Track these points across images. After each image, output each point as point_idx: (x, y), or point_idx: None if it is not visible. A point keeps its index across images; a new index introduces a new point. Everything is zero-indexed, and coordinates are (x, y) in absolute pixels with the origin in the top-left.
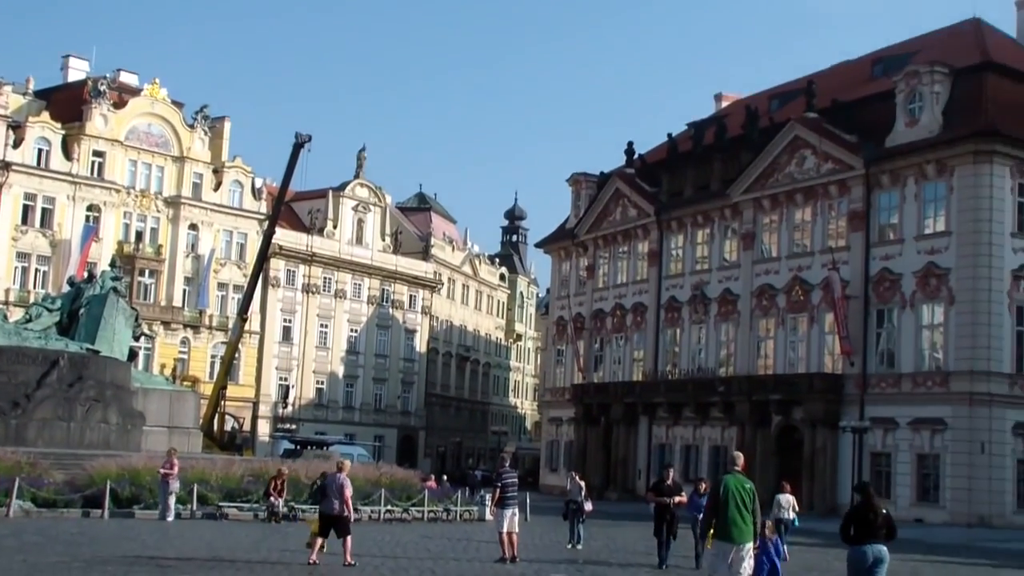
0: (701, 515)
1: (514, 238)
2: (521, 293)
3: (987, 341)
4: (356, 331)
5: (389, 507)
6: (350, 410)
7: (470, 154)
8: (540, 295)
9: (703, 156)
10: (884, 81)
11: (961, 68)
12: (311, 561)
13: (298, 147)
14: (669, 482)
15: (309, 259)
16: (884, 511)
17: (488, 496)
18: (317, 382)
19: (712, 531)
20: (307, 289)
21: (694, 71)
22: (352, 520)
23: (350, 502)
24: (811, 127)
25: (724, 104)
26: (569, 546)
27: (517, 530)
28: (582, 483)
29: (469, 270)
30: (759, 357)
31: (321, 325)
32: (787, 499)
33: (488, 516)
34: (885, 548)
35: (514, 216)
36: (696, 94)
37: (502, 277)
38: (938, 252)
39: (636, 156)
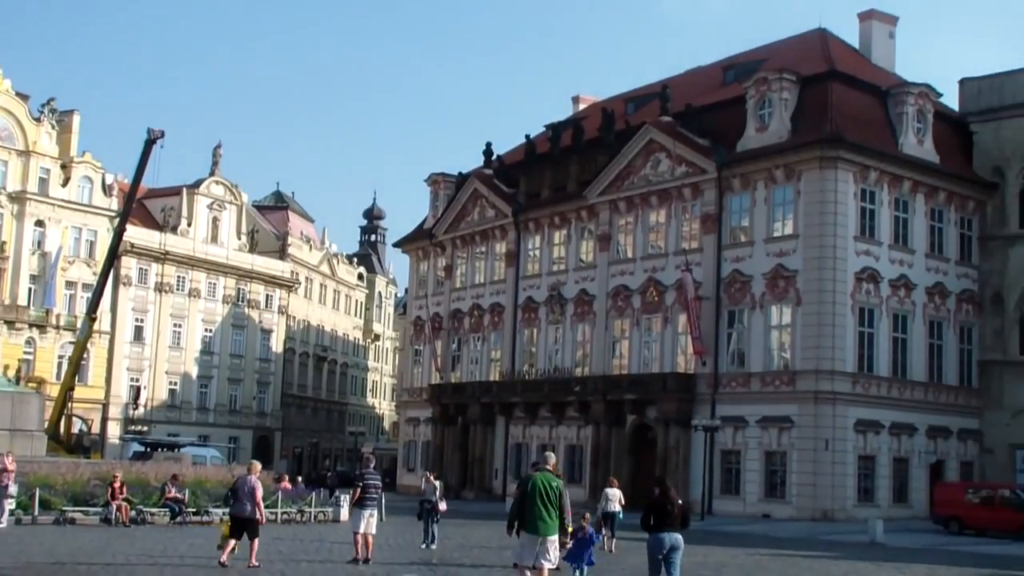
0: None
1: (372, 238)
2: (379, 293)
3: (831, 341)
4: (211, 331)
5: None
6: (204, 411)
7: (329, 153)
8: (398, 295)
9: (560, 158)
10: (735, 87)
11: (808, 76)
12: (221, 562)
13: (151, 143)
14: None
15: (162, 257)
16: (680, 502)
17: (344, 497)
18: (170, 383)
19: (518, 524)
20: (160, 288)
21: (552, 73)
22: (262, 522)
23: (261, 504)
24: (665, 131)
25: (581, 106)
26: (423, 546)
27: (373, 531)
28: (437, 483)
29: (327, 270)
30: (614, 357)
31: (174, 325)
32: (614, 493)
33: (344, 517)
34: (680, 535)
35: (373, 216)
36: (554, 96)
37: (360, 277)
38: (786, 254)
39: (494, 157)
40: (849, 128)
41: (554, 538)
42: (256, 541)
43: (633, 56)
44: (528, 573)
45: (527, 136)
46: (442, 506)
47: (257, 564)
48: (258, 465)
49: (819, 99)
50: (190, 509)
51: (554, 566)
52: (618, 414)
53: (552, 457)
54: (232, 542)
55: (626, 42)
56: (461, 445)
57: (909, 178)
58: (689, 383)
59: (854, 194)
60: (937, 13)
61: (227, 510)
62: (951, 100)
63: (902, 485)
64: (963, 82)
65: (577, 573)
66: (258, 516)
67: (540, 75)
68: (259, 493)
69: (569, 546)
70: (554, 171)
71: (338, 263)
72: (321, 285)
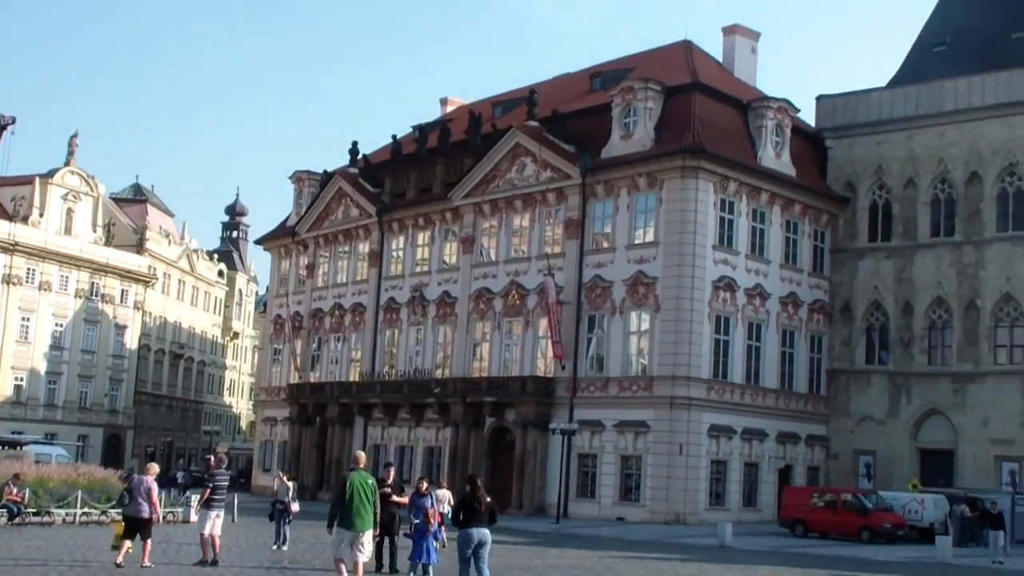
0: (416, 519)
1: (234, 234)
2: (240, 290)
3: (688, 348)
4: (61, 325)
5: (86, 509)
6: (52, 408)
7: (191, 147)
8: (259, 293)
9: (426, 159)
10: (602, 95)
11: (672, 87)
12: (117, 563)
13: (0, 129)
14: (390, 482)
15: (11, 249)
16: (488, 500)
17: (194, 497)
18: (16, 378)
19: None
20: (7, 280)
21: (421, 74)
22: (157, 522)
23: (158, 505)
24: (532, 135)
25: (449, 108)
26: (274, 547)
27: (219, 532)
28: (290, 484)
29: (186, 265)
30: (475, 359)
31: (23, 318)
32: (443, 493)
33: (193, 517)
34: (487, 531)
35: (235, 212)
36: (422, 97)
37: (220, 274)
38: (647, 261)
39: (360, 156)
40: (711, 139)
41: (370, 532)
42: (149, 542)
43: (502, 60)
44: (344, 568)
45: (394, 136)
46: (294, 507)
47: (150, 564)
48: (155, 467)
49: (682, 110)
50: (30, 510)
51: (367, 559)
52: (477, 416)
53: (363, 457)
54: (127, 543)
55: (496, 46)
56: (319, 446)
57: (767, 190)
58: (548, 387)
59: (714, 204)
60: (798, 31)
61: (121, 511)
62: (808, 116)
63: (752, 489)
64: (820, 99)
65: (419, 571)
66: (154, 516)
67: (409, 75)
68: (155, 493)
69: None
70: (420, 172)
71: (198, 259)
72: (180, 281)
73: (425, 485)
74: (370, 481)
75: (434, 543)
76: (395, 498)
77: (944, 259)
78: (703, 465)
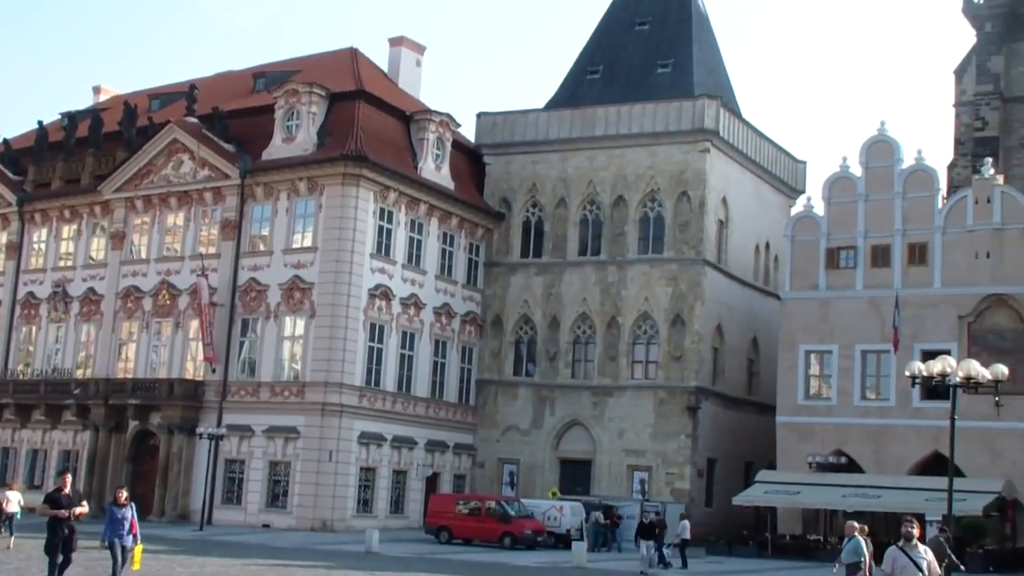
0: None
1: None
2: None
3: (342, 355)
4: None
5: None
6: None
7: None
8: None
9: (75, 148)
10: (265, 95)
11: (337, 93)
12: None
13: None
14: (67, 491)
15: None
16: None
17: None
18: None
19: None
20: None
21: (73, 58)
22: None
23: None
24: (190, 132)
25: (103, 97)
26: None
27: None
28: None
29: None
30: (120, 360)
31: None
32: (14, 495)
33: None
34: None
35: None
36: (73, 83)
37: None
38: (304, 267)
39: (0, 140)
40: (373, 148)
41: None
42: None
43: (163, 52)
44: None
45: (40, 122)
46: None
47: None
48: None
49: (346, 116)
50: None
51: None
52: (120, 419)
53: None
54: None
55: (157, 36)
56: None
57: (425, 202)
58: (197, 390)
59: (373, 212)
60: (464, 48)
61: None
62: (469, 132)
63: (400, 496)
64: (480, 116)
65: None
66: None
67: (59, 58)
68: None
69: None
70: (67, 162)
71: None
72: None
73: (124, 494)
74: None
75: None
76: (77, 510)
77: (590, 277)
78: (352, 472)
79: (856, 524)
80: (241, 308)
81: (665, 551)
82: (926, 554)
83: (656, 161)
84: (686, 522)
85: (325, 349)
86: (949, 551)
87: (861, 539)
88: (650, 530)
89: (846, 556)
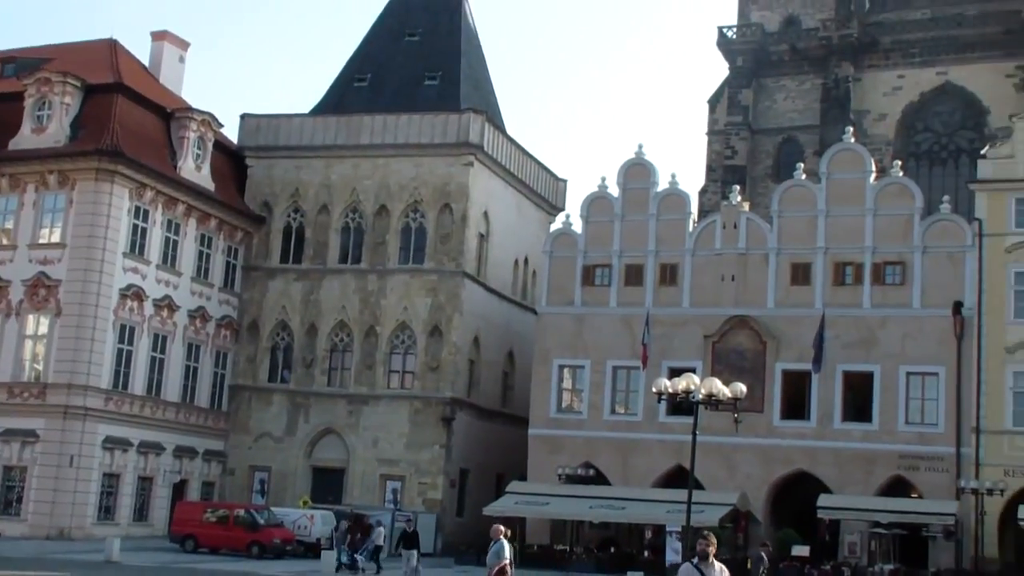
0: None
1: None
2: None
3: (89, 356)
4: None
5: None
6: None
7: None
8: None
9: None
10: (14, 82)
11: (93, 84)
12: None
13: None
14: None
15: None
16: None
17: None
18: None
19: None
20: None
21: None
22: None
23: None
24: None
25: None
26: None
27: None
28: None
29: None
30: None
31: None
32: None
33: None
34: None
35: None
36: None
37: None
38: (51, 263)
39: None
40: (130, 144)
41: None
42: None
43: None
44: None
45: None
46: None
47: None
48: None
49: (103, 110)
50: None
51: None
52: None
53: None
54: None
55: None
56: None
57: (184, 202)
58: None
59: (128, 210)
60: (230, 48)
61: None
62: (232, 133)
63: (145, 503)
64: (244, 117)
65: None
66: None
67: None
68: None
69: None
70: None
71: None
72: None
73: None
74: None
75: None
76: None
77: (350, 285)
78: (95, 478)
79: (502, 528)
80: None
81: (358, 557)
82: (721, 573)
83: (420, 172)
84: (381, 529)
85: (70, 350)
86: (765, 566)
87: (505, 542)
88: (413, 539)
89: (491, 559)
